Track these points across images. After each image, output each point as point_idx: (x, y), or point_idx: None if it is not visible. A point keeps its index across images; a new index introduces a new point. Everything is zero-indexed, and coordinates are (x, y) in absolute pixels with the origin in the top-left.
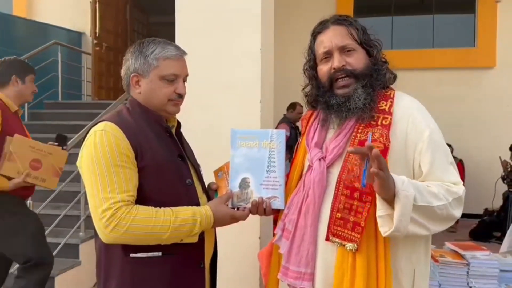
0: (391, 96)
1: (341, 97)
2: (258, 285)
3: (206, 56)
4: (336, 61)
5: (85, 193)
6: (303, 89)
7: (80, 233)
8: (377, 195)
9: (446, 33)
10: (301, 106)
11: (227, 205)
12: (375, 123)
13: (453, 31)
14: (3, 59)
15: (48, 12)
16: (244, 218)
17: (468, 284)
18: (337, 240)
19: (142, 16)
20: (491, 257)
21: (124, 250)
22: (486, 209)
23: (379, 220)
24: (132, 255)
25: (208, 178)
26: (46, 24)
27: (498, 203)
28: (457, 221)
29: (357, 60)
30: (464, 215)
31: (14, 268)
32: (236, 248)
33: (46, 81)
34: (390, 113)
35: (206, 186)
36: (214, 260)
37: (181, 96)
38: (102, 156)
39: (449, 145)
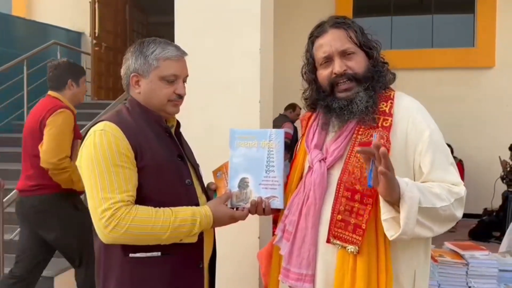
0: (391, 97)
1: (343, 100)
2: (258, 285)
3: (206, 56)
4: (337, 66)
5: (84, 192)
6: (303, 93)
7: None
8: (380, 198)
9: (446, 33)
10: (300, 109)
11: (226, 205)
12: (375, 124)
13: (453, 31)
14: (56, 63)
15: (47, 12)
16: (243, 218)
17: (467, 284)
18: (338, 242)
19: (142, 16)
20: (490, 257)
21: (123, 250)
22: (485, 209)
23: (384, 224)
24: (131, 255)
25: (207, 178)
26: (46, 24)
27: (497, 203)
28: (457, 221)
29: (358, 63)
30: (463, 215)
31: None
32: (235, 248)
33: (45, 81)
34: (391, 115)
35: (206, 186)
36: (213, 260)
37: (180, 97)
38: (101, 156)
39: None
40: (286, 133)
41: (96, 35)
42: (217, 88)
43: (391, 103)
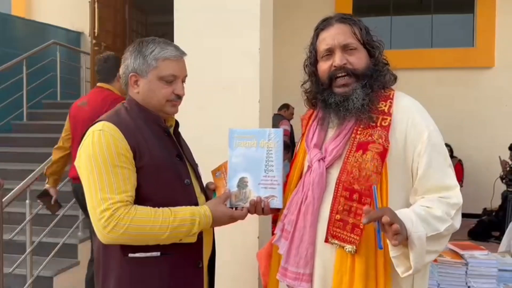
0: (391, 96)
1: (340, 96)
2: (257, 285)
3: (205, 56)
4: (338, 59)
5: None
6: (302, 85)
7: (79, 233)
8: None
9: (445, 33)
10: (293, 108)
11: (225, 205)
12: (374, 124)
13: (452, 31)
14: (106, 56)
15: (47, 12)
16: (242, 217)
17: (466, 283)
18: (336, 241)
19: (141, 16)
20: (490, 256)
21: (123, 250)
22: (485, 209)
23: (394, 260)
24: (130, 255)
25: (207, 177)
26: (45, 24)
27: (497, 202)
28: None
29: (359, 59)
30: (463, 215)
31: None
32: (235, 247)
33: (45, 81)
34: (390, 114)
35: (205, 186)
36: (212, 260)
37: (179, 97)
38: (100, 157)
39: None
40: (284, 130)
41: (96, 35)
42: (216, 88)
43: (391, 102)
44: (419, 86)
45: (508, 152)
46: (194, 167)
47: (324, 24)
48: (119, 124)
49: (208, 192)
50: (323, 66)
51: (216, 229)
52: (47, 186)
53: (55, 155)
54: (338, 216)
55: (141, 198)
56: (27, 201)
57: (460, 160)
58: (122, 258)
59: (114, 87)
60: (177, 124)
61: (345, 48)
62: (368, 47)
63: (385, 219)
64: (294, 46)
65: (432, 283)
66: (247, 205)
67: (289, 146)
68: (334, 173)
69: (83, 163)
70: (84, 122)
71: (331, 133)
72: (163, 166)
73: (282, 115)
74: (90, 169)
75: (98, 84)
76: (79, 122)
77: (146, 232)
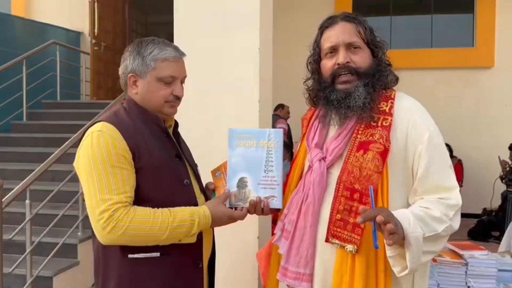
0: (392, 96)
1: (341, 92)
2: (257, 285)
3: (205, 55)
4: (341, 57)
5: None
6: (305, 82)
7: (79, 233)
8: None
9: (445, 33)
10: (288, 107)
11: (225, 205)
12: (375, 124)
13: (452, 31)
14: None
15: (46, 11)
16: (242, 218)
17: (466, 283)
18: (336, 241)
19: (141, 15)
20: (490, 256)
21: (122, 251)
22: (484, 209)
23: (390, 260)
24: (130, 255)
25: (206, 178)
26: (45, 24)
27: (496, 202)
28: None
29: (362, 58)
30: (462, 215)
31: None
32: (235, 248)
33: (44, 81)
34: (391, 114)
35: (204, 186)
36: (212, 260)
37: (178, 98)
38: (99, 157)
39: (448, 145)
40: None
41: (95, 34)
42: (216, 88)
43: (392, 103)
44: (418, 86)
45: (508, 152)
46: (194, 167)
47: (329, 22)
48: (118, 125)
49: (208, 192)
50: (327, 64)
51: (216, 229)
52: None
53: None
54: (338, 216)
55: (140, 198)
56: (27, 201)
57: (460, 160)
58: (122, 258)
59: None
60: (176, 124)
61: (349, 46)
62: (372, 47)
63: (379, 218)
64: (294, 45)
65: (432, 283)
66: (247, 205)
67: (289, 146)
68: (335, 173)
69: (82, 164)
70: None
71: (332, 132)
72: (163, 167)
73: (278, 114)
74: (89, 170)
75: None
76: None
77: (145, 233)
